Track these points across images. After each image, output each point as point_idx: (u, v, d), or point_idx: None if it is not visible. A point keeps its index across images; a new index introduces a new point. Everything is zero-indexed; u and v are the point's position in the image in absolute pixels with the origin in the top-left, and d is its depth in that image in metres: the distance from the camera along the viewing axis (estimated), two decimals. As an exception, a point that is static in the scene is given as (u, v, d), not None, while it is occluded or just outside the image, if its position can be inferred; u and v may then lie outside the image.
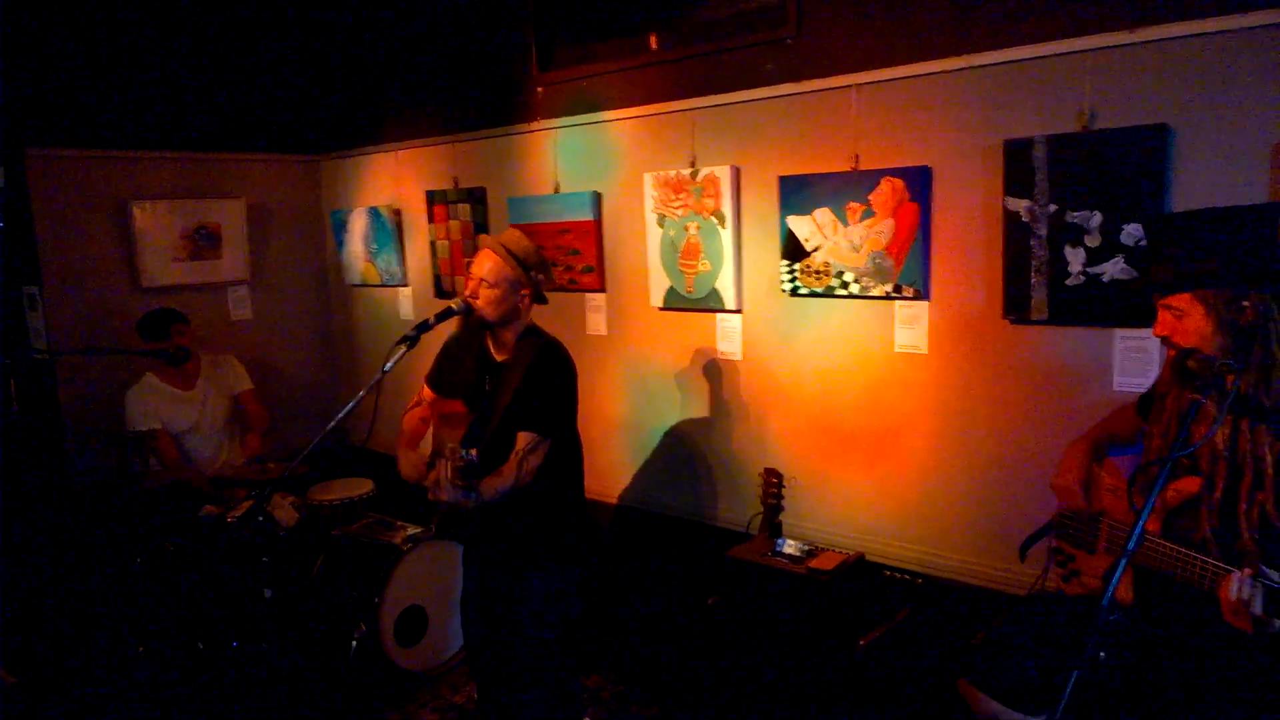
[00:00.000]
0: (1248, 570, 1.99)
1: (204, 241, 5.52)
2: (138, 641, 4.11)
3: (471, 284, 3.20)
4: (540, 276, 3.26)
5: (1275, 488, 2.13)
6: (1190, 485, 2.26)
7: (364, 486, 4.88)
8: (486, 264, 3.17)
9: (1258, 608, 1.96)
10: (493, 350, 3.31)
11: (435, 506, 3.24)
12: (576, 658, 3.46)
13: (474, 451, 2.96)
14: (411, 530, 4.34)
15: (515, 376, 3.20)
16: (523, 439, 3.13)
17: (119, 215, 5.22)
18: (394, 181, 5.47)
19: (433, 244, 5.24)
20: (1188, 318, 2.23)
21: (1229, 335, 2.18)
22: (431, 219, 5.21)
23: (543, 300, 3.32)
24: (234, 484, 4.54)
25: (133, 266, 5.25)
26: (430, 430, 3.46)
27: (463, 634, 3.53)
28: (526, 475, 3.12)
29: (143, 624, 4.16)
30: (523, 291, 3.22)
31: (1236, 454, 2.18)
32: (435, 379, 3.51)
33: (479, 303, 3.18)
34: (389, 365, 2.97)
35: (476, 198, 4.95)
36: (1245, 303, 2.16)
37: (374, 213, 5.52)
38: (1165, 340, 2.31)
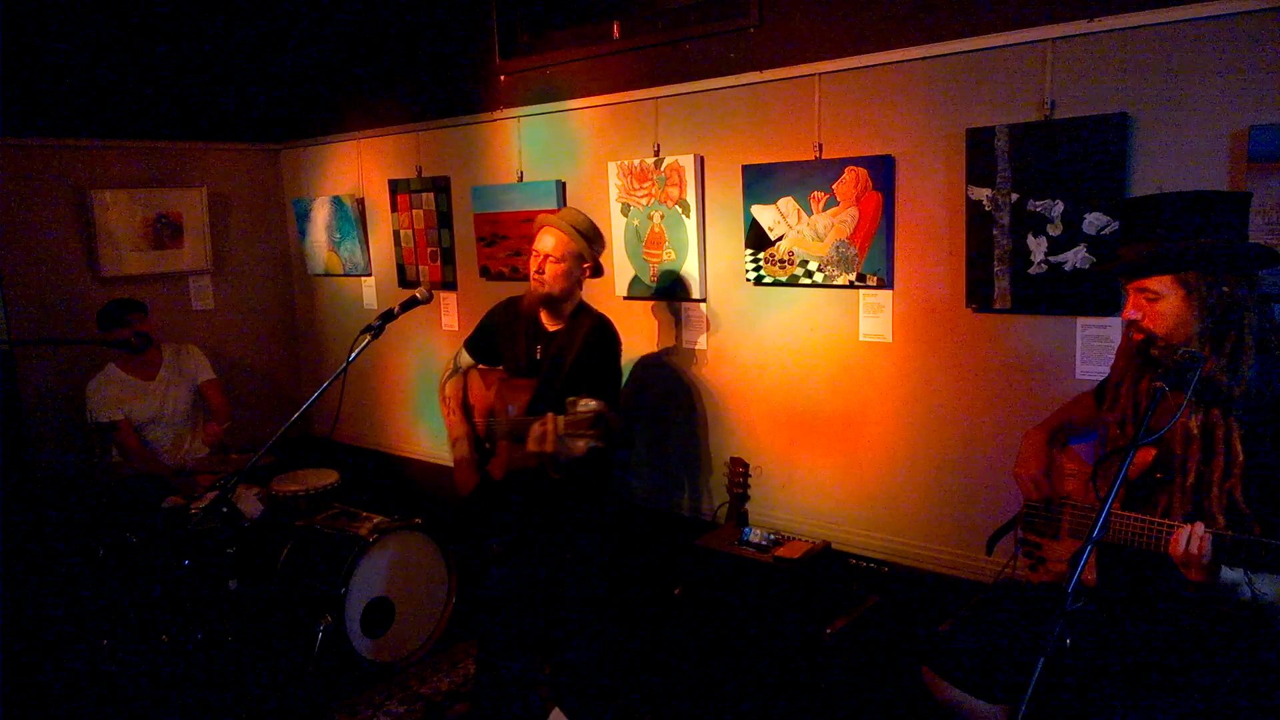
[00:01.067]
0: (1198, 524, 2.05)
1: (165, 231, 5.45)
2: (101, 634, 4.07)
3: (536, 260, 3.40)
4: (599, 248, 3.52)
5: (1244, 476, 2.15)
6: (1145, 454, 2.28)
7: (329, 477, 4.85)
8: (551, 240, 3.39)
9: (1208, 552, 2.02)
10: (545, 321, 3.52)
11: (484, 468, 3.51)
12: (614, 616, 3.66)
13: (597, 402, 3.08)
14: (378, 521, 4.31)
15: (573, 349, 3.41)
16: None
17: (79, 205, 5.15)
18: (356, 170, 5.42)
19: (396, 233, 5.20)
20: (1163, 301, 2.22)
21: (1207, 319, 2.18)
22: (395, 208, 5.16)
23: (601, 272, 3.59)
24: (197, 475, 4.49)
25: (93, 256, 5.19)
26: (465, 396, 3.66)
27: (486, 599, 3.59)
28: (612, 420, 3.27)
29: (106, 616, 4.11)
30: (585, 265, 3.47)
31: (1209, 440, 2.20)
32: (478, 346, 3.71)
33: (545, 277, 3.39)
34: (354, 355, 2.97)
35: (440, 187, 4.91)
36: (1225, 287, 2.17)
37: (337, 202, 5.46)
38: (1134, 324, 2.30)
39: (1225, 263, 2.18)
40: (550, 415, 3.11)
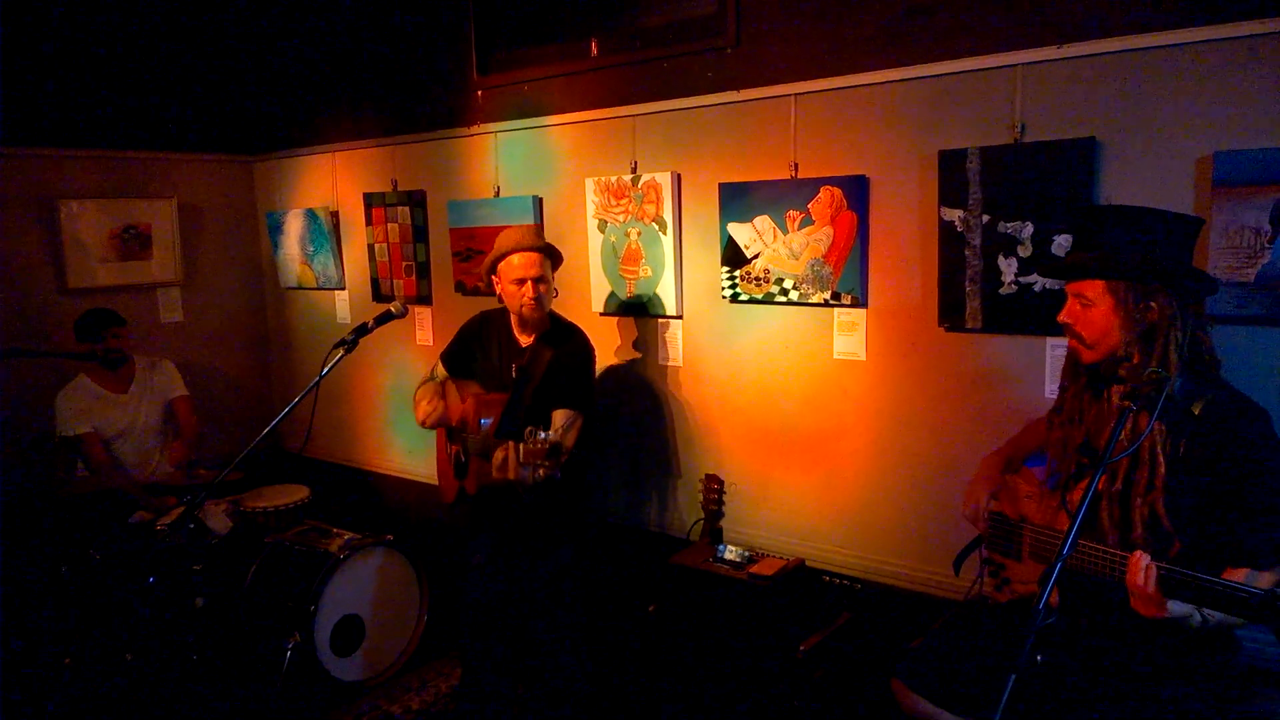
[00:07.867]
0: (1144, 554, 2.06)
1: (133, 242, 5.40)
2: (64, 652, 4.01)
3: (529, 289, 3.39)
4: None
5: (1165, 488, 2.20)
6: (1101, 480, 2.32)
7: (299, 493, 4.80)
8: (537, 265, 3.40)
9: (1150, 587, 2.03)
10: (518, 335, 3.54)
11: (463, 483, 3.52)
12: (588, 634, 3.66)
13: (553, 434, 3.05)
14: (349, 537, 4.27)
15: (545, 358, 3.41)
16: (562, 416, 3.32)
17: (45, 215, 5.08)
18: (331, 183, 5.40)
19: (371, 247, 5.18)
20: (1094, 308, 2.29)
21: (1133, 332, 2.24)
22: (370, 221, 5.15)
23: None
24: (165, 490, 4.44)
25: (59, 267, 5.12)
26: (444, 406, 3.65)
27: (465, 611, 3.63)
28: (568, 450, 3.26)
29: (69, 634, 4.05)
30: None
31: (1137, 450, 2.24)
32: (454, 360, 3.73)
33: (541, 302, 3.42)
34: (326, 370, 2.95)
35: (416, 200, 4.91)
36: (1153, 303, 2.23)
37: (310, 215, 5.44)
38: (1067, 328, 2.37)
39: (1158, 279, 2.23)
40: (510, 443, 3.10)
